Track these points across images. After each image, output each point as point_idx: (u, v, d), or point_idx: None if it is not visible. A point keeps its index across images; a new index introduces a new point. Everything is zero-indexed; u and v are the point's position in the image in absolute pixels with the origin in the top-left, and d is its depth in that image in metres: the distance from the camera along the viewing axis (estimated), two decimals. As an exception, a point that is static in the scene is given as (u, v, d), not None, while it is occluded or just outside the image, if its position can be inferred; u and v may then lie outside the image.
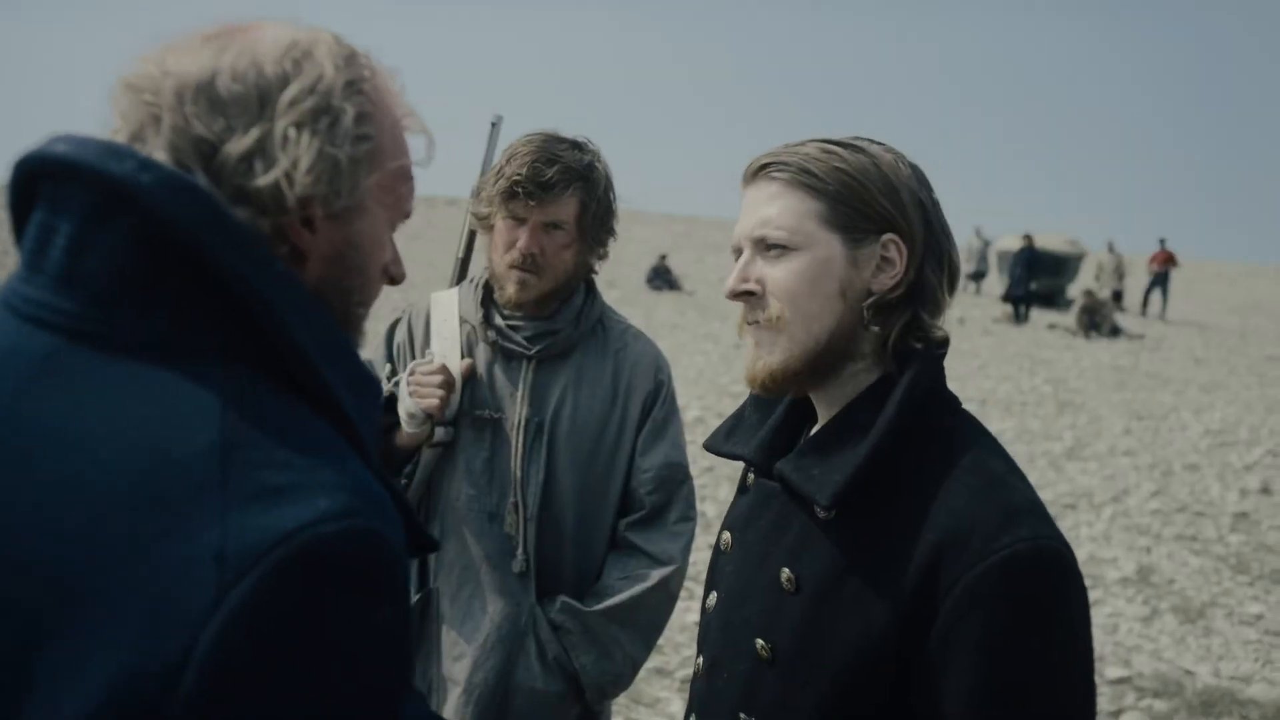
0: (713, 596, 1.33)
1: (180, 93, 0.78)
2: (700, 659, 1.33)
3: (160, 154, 0.77)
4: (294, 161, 0.80)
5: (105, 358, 0.74)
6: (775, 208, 1.18)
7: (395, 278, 0.94)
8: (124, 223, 0.75)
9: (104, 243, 0.76)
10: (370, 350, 2.19)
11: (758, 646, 1.20)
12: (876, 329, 1.18)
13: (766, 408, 1.34)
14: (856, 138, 1.22)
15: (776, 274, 1.18)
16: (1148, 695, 4.35)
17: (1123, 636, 4.97)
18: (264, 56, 0.81)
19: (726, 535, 1.34)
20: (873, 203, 1.17)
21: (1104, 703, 4.27)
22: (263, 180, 0.79)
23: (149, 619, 0.66)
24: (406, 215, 0.93)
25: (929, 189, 1.22)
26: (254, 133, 0.79)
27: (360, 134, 0.83)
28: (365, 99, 0.84)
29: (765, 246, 1.20)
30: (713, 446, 1.37)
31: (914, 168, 1.21)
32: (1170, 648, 4.87)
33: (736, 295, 1.22)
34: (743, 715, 1.21)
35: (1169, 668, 4.64)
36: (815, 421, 1.27)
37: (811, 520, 1.20)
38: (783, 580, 1.20)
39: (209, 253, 0.75)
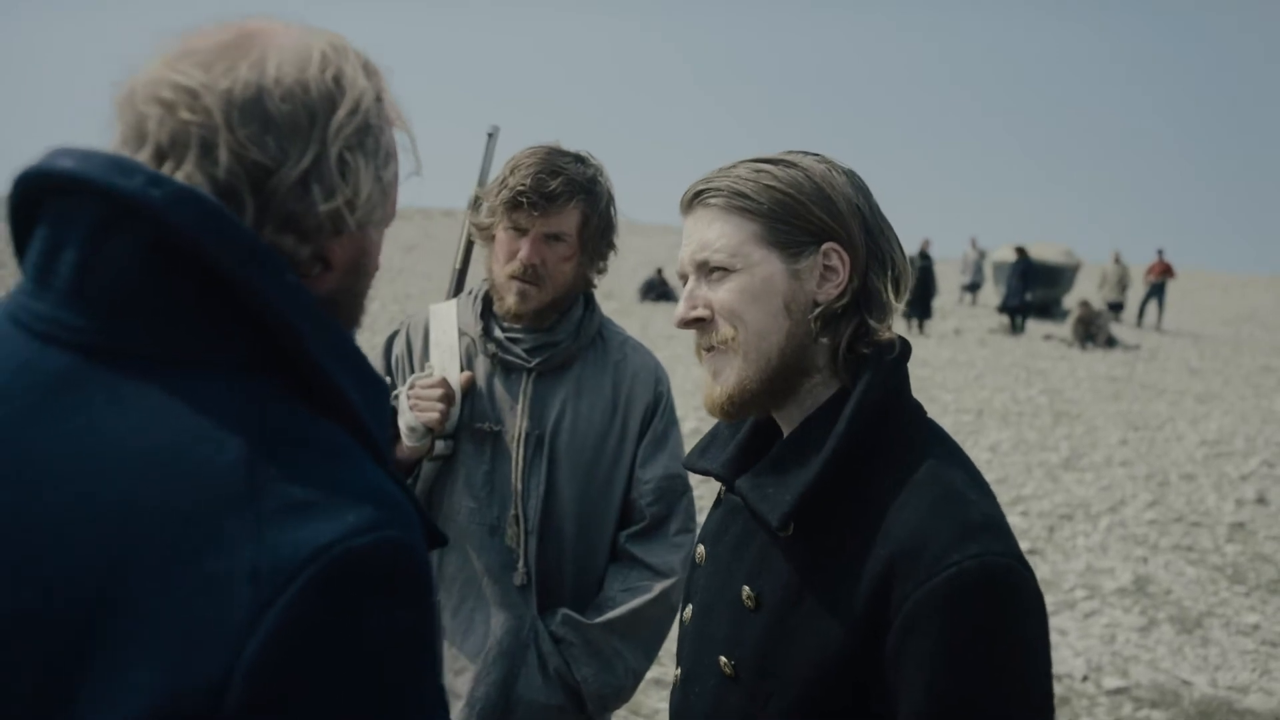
0: (689, 609, 1.35)
1: (228, 112, 0.77)
2: (678, 670, 1.35)
3: (199, 175, 0.77)
4: (355, 189, 0.81)
5: (120, 372, 0.74)
6: (713, 232, 1.20)
7: (376, 269, 0.95)
8: (134, 238, 0.75)
9: (114, 258, 0.75)
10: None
11: (721, 664, 1.22)
12: (825, 340, 1.20)
13: (738, 424, 1.35)
14: (789, 152, 1.24)
15: (720, 295, 1.20)
16: (1145, 705, 4.36)
17: (1120, 647, 4.98)
18: (306, 73, 0.80)
19: (701, 549, 1.36)
20: (808, 216, 1.18)
21: (1102, 713, 4.28)
22: (324, 207, 0.79)
23: (188, 638, 0.67)
24: (394, 216, 0.94)
25: (866, 194, 1.23)
26: (308, 157, 0.79)
27: (392, 152, 0.85)
28: (386, 111, 0.86)
29: (708, 270, 1.21)
30: (689, 464, 1.39)
31: (849, 174, 1.23)
32: (1167, 658, 4.87)
33: (687, 323, 1.23)
34: None
35: (1166, 678, 4.65)
36: (781, 436, 1.27)
37: (770, 537, 1.21)
38: (744, 598, 1.21)
39: (221, 266, 0.75)
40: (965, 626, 1.05)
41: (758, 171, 1.20)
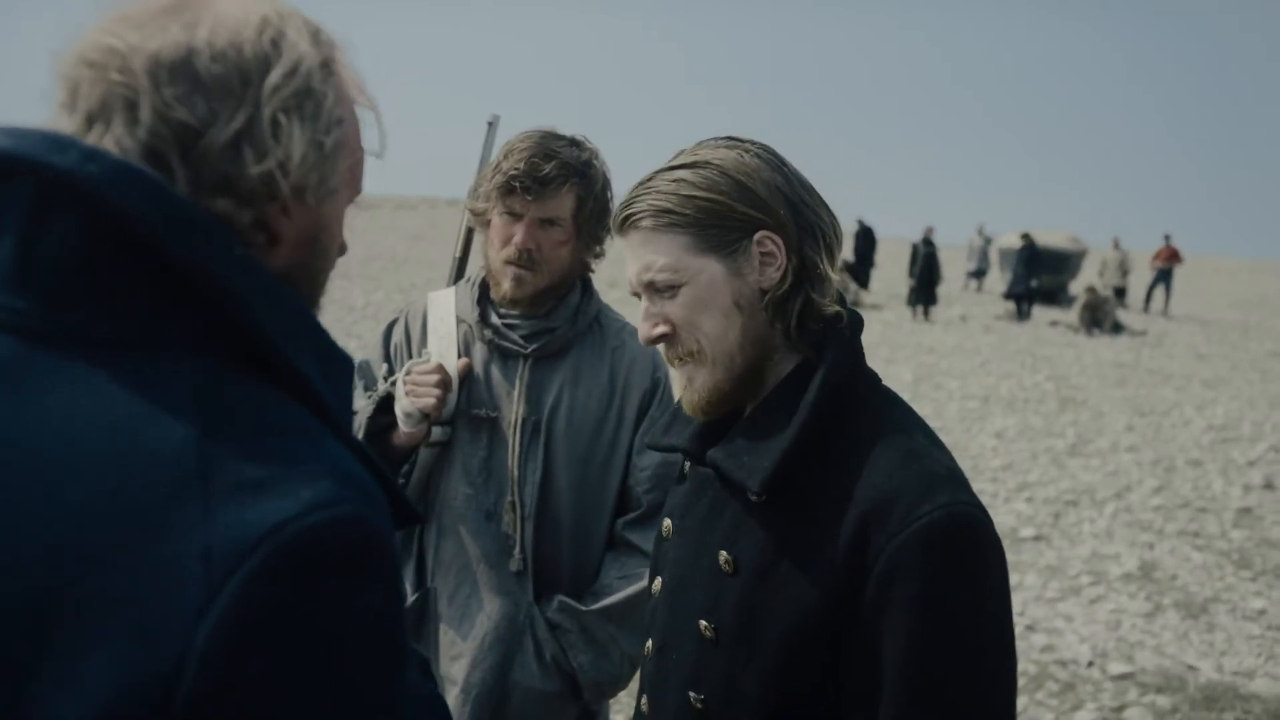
0: (658, 582, 1.39)
1: (154, 72, 0.75)
2: (650, 642, 1.38)
3: (129, 140, 0.75)
4: (287, 151, 0.78)
5: (65, 356, 0.72)
6: (649, 252, 1.24)
7: (343, 250, 0.93)
8: (73, 216, 0.72)
9: (54, 238, 0.73)
10: (367, 350, 2.19)
11: (701, 627, 1.25)
12: (779, 324, 1.24)
13: None
14: (700, 146, 1.27)
15: (674, 310, 1.25)
16: (1151, 691, 4.35)
17: (1125, 632, 4.97)
18: (241, 35, 0.78)
19: (668, 523, 1.40)
20: (732, 213, 1.21)
21: (1106, 699, 4.27)
22: (255, 169, 0.77)
23: (141, 623, 0.65)
24: (359, 193, 0.91)
25: (781, 168, 1.25)
26: (239, 118, 0.76)
27: (337, 118, 0.82)
28: (336, 79, 0.83)
29: (656, 289, 1.26)
30: (653, 442, 1.43)
31: (761, 154, 1.25)
32: (1173, 643, 4.86)
33: (653, 341, 1.28)
34: (692, 694, 1.26)
35: (1172, 663, 4.64)
36: (743, 409, 1.32)
37: (745, 503, 1.25)
38: (721, 563, 1.25)
39: (165, 242, 0.72)
40: (940, 571, 1.11)
41: (675, 182, 1.23)
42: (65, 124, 0.77)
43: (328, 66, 0.82)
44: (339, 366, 0.84)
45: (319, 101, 0.80)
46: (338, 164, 0.83)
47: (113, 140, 0.75)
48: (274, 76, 0.78)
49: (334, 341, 0.84)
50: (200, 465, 0.69)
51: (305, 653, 0.68)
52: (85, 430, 0.70)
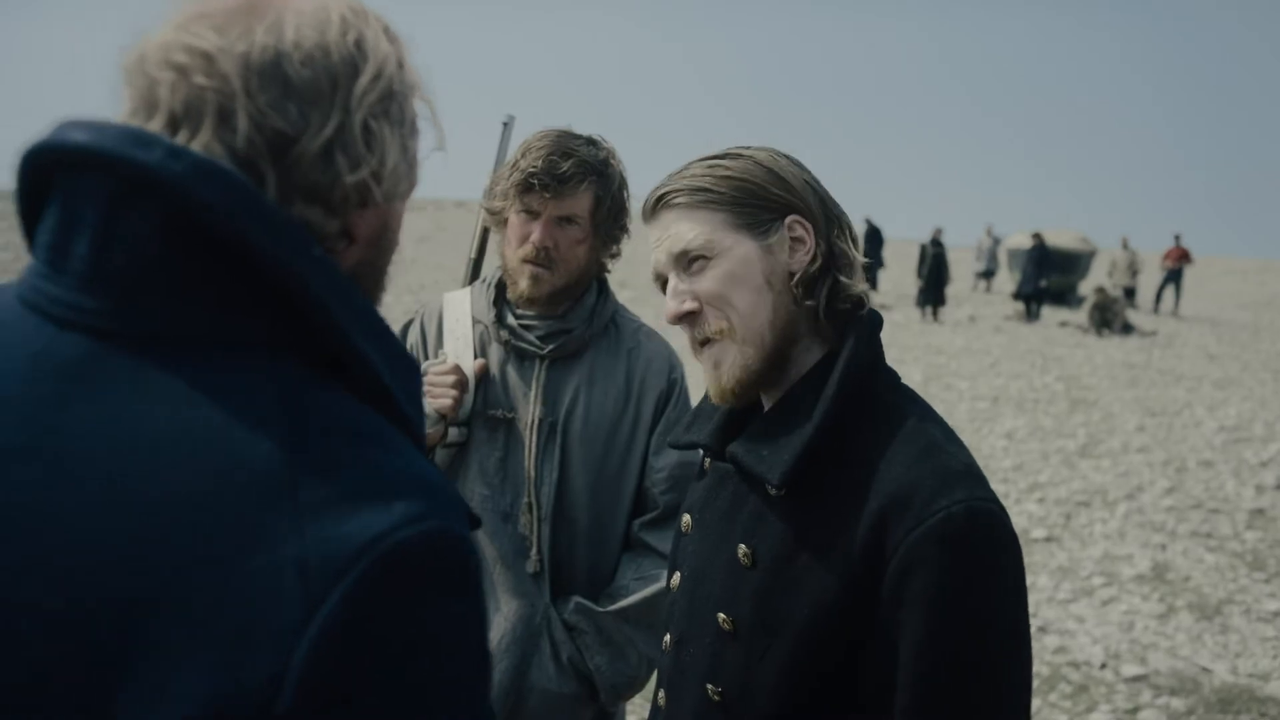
0: (676, 576, 1.40)
1: (246, 76, 0.72)
2: (668, 636, 1.39)
3: (218, 146, 0.72)
4: (381, 159, 0.77)
5: (143, 356, 0.70)
6: (683, 227, 1.27)
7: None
8: (153, 213, 0.70)
9: (132, 235, 0.70)
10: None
11: (720, 620, 1.26)
12: (809, 304, 1.27)
13: None
14: (732, 147, 1.31)
15: (704, 284, 1.26)
16: (1165, 693, 4.33)
17: (1139, 634, 4.94)
18: (326, 36, 0.75)
19: (687, 518, 1.41)
20: (766, 195, 1.26)
21: (1120, 700, 4.25)
22: (351, 178, 0.75)
23: (235, 637, 0.63)
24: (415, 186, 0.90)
25: (809, 172, 1.31)
26: (330, 126, 0.74)
27: (414, 119, 0.81)
28: (408, 78, 0.81)
29: (687, 262, 1.28)
30: (674, 440, 1.45)
31: (788, 158, 1.31)
32: (1187, 645, 4.84)
33: (679, 319, 1.28)
34: (710, 686, 1.27)
35: (1186, 665, 4.61)
36: (762, 404, 1.33)
37: (764, 498, 1.26)
38: (740, 556, 1.26)
39: (249, 240, 0.70)
40: (957, 565, 1.11)
41: (711, 167, 1.28)
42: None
43: (402, 64, 0.80)
44: (409, 370, 0.81)
45: (401, 104, 0.79)
46: (416, 166, 0.82)
47: (200, 146, 0.72)
48: (362, 80, 0.76)
49: (402, 345, 0.81)
50: (289, 476, 0.67)
51: (405, 668, 0.67)
52: (167, 433, 0.68)
